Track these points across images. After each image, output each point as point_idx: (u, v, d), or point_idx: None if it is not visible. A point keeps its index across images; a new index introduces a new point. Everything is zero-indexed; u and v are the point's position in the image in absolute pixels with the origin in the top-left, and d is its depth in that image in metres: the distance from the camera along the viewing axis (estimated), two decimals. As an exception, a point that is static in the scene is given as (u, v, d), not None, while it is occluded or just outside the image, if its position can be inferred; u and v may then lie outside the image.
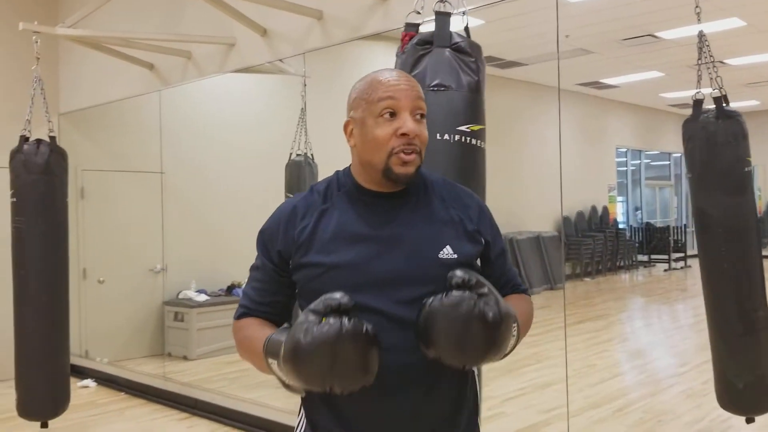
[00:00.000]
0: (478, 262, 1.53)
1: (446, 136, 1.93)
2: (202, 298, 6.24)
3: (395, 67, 2.06)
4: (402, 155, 1.40)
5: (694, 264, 13.24)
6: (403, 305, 1.39)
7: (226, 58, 4.53)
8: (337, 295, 1.27)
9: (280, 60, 4.37)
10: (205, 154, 6.31)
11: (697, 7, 2.81)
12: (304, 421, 1.52)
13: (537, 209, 10.65)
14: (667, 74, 10.52)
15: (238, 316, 1.54)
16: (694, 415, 4.49)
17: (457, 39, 2.08)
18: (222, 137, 6.33)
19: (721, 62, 10.02)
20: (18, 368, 3.99)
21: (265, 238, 1.52)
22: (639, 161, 15.04)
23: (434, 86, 2.00)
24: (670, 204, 15.95)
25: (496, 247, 1.55)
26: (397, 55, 2.16)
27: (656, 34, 8.38)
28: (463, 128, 1.94)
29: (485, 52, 2.18)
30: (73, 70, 6.16)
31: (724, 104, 2.52)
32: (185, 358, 6.14)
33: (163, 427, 4.66)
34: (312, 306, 1.28)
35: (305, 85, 4.29)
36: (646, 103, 13.34)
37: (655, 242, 13.42)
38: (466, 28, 2.22)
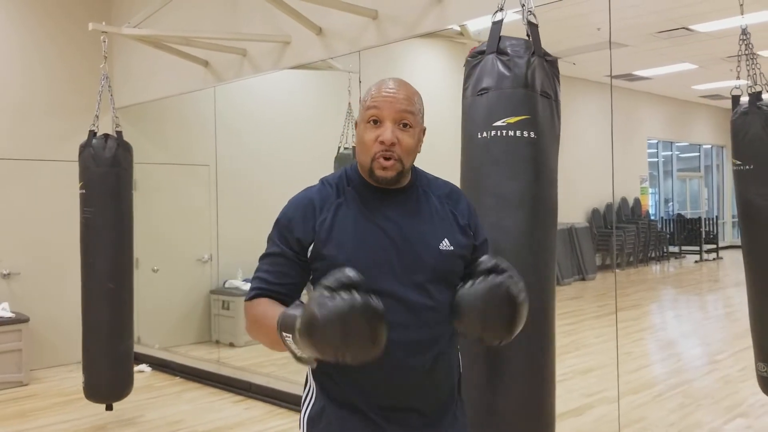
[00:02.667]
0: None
1: (484, 134, 2.07)
2: (249, 286, 6.43)
3: (464, 76, 2.21)
4: (381, 160, 1.58)
5: (726, 255, 13.26)
6: (410, 289, 1.57)
7: (281, 56, 4.70)
8: (348, 272, 1.40)
9: (332, 57, 4.54)
10: (255, 147, 6.50)
11: (741, 4, 2.97)
12: (313, 389, 1.66)
13: (569, 201, 10.73)
14: (700, 66, 10.54)
15: (251, 297, 1.64)
16: (733, 400, 4.61)
17: (505, 43, 2.19)
18: (272, 130, 6.52)
19: (757, 54, 10.06)
20: (85, 353, 4.14)
21: (281, 228, 1.65)
22: (670, 152, 15.03)
23: (480, 92, 2.13)
24: (700, 195, 15.92)
25: (480, 236, 1.75)
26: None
27: (690, 26, 8.43)
28: (498, 123, 2.07)
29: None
30: (127, 65, 6.38)
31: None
32: (232, 345, 6.35)
33: (220, 409, 4.89)
34: (324, 282, 1.39)
35: (360, 81, 4.45)
36: (677, 94, 13.33)
37: (686, 233, 13.45)
38: (534, 28, 2.33)
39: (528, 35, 2.34)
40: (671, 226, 13.96)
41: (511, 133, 2.05)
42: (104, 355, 4.12)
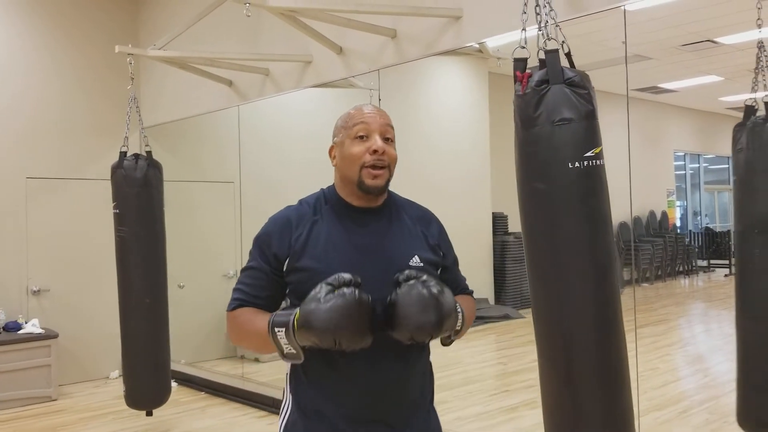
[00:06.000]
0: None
1: (576, 164, 2.12)
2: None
3: (515, 107, 2.24)
4: (371, 169, 1.70)
5: (756, 269, 13.01)
6: (378, 302, 1.63)
7: (302, 75, 4.78)
8: (347, 274, 1.55)
9: (353, 76, 4.60)
10: (277, 164, 6.58)
11: (758, 19, 2.99)
12: (289, 401, 1.77)
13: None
14: (727, 78, 10.46)
15: (234, 308, 1.76)
16: (761, 418, 4.54)
17: (569, 74, 2.20)
18: (294, 147, 6.58)
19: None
20: (125, 364, 4.34)
21: (261, 243, 1.78)
22: (697, 165, 14.86)
23: (559, 121, 2.16)
24: (729, 208, 15.69)
25: (450, 257, 1.89)
26: (517, 95, 2.22)
27: (715, 39, 8.38)
28: (588, 154, 2.14)
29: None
30: (154, 86, 6.52)
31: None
32: (257, 360, 6.39)
33: (245, 424, 4.94)
34: (327, 280, 1.55)
35: (379, 99, 4.50)
36: (704, 106, 13.19)
37: (714, 247, 13.25)
38: (569, 56, 2.34)
39: (568, 54, 2.34)
40: (699, 239, 13.77)
41: (597, 162, 2.14)
42: (143, 366, 4.33)
